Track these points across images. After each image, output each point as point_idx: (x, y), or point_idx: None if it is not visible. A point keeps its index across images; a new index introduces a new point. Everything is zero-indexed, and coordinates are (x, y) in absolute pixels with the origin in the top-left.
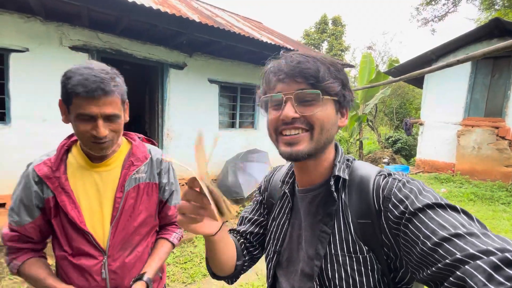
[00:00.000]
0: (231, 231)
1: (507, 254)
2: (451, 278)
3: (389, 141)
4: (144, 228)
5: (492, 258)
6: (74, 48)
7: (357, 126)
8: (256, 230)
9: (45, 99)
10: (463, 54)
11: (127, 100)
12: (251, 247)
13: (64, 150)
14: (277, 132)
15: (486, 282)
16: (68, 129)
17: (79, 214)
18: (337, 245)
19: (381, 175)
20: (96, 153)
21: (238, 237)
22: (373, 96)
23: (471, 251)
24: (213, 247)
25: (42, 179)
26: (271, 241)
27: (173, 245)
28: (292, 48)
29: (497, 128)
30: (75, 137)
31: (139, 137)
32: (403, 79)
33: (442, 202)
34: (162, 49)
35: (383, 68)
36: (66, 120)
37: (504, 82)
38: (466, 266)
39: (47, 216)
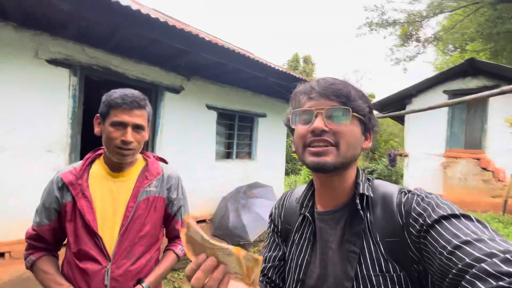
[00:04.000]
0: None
1: (507, 255)
2: (463, 283)
3: (365, 172)
4: (147, 239)
5: (495, 259)
6: (53, 61)
7: None
8: (277, 269)
9: (7, 122)
10: (440, 90)
11: (150, 123)
12: (272, 284)
13: (89, 162)
14: (305, 145)
15: (491, 280)
16: (36, 163)
17: (94, 218)
18: (369, 265)
19: (401, 192)
20: (118, 159)
21: (267, 280)
22: None
23: (477, 255)
24: None
25: (65, 185)
26: (292, 270)
27: (178, 257)
28: (298, 76)
29: (478, 159)
30: (99, 151)
31: (153, 156)
32: (390, 116)
33: (457, 213)
34: (158, 70)
35: None
36: (98, 132)
37: (480, 117)
38: (473, 270)
39: (62, 221)
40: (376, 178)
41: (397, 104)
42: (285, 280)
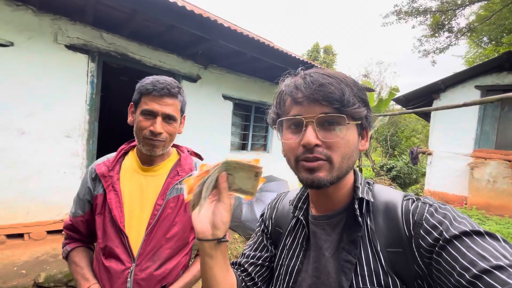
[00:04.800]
0: (231, 264)
1: None
2: None
3: (384, 169)
4: (175, 242)
5: None
6: (72, 47)
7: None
8: (259, 267)
9: (27, 106)
10: (472, 85)
11: (184, 114)
12: (253, 286)
13: (122, 153)
14: (297, 159)
15: None
16: (55, 147)
17: (121, 214)
18: (365, 277)
19: (408, 199)
20: (147, 151)
21: (239, 272)
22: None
23: None
24: (210, 264)
25: (98, 176)
26: (281, 277)
27: None
28: (319, 67)
29: (509, 161)
30: (134, 143)
31: (188, 150)
32: (417, 112)
33: (480, 230)
34: (175, 58)
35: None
36: (131, 121)
37: None
38: None
39: (94, 213)
40: (395, 176)
41: (423, 99)
42: (267, 282)
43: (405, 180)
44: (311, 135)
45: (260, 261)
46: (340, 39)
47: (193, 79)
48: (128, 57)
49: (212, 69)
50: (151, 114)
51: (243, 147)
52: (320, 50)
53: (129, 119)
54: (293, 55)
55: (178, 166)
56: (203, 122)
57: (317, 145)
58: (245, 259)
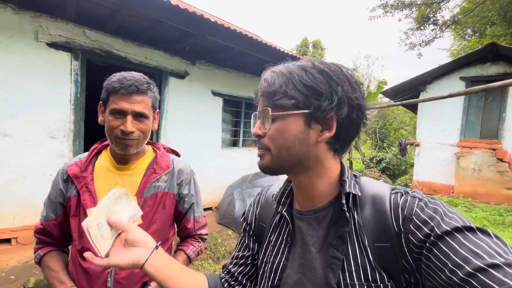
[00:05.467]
0: (223, 268)
1: None
2: None
3: (373, 161)
4: (155, 239)
5: None
6: (53, 45)
7: None
8: (242, 267)
9: (8, 108)
10: (457, 77)
11: (158, 110)
12: (238, 285)
13: (95, 153)
14: None
15: None
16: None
17: None
18: (353, 273)
19: (396, 192)
20: (120, 151)
21: (223, 274)
22: None
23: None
24: (167, 274)
25: (70, 177)
26: (266, 274)
27: (189, 258)
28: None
29: (494, 150)
30: (106, 142)
31: (164, 148)
32: (404, 104)
33: (472, 225)
34: (162, 54)
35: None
36: (101, 121)
37: (498, 105)
38: None
39: (67, 215)
40: (385, 167)
41: (410, 91)
42: (253, 280)
43: (394, 172)
44: (255, 127)
45: (242, 260)
46: (328, 33)
47: (181, 75)
48: (113, 54)
49: (200, 65)
50: (120, 113)
51: (234, 143)
52: (309, 44)
53: (100, 119)
54: (281, 50)
55: (155, 163)
56: (192, 119)
57: (260, 136)
58: (229, 261)
